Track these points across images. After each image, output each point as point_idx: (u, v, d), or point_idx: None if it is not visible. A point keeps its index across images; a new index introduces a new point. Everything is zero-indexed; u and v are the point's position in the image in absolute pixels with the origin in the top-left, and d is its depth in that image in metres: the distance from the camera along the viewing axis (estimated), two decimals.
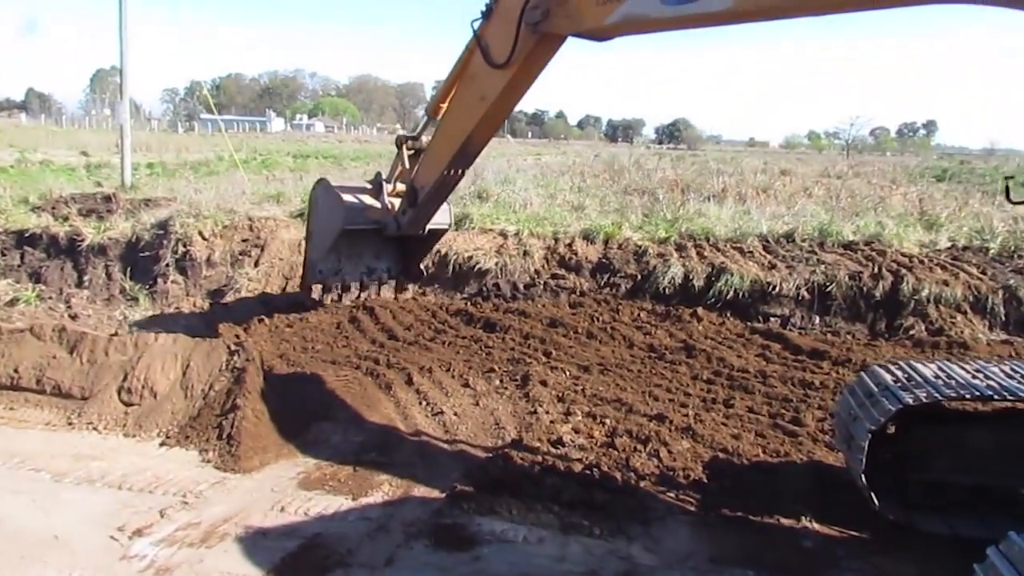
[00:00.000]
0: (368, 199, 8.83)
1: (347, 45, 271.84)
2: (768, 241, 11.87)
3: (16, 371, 6.53)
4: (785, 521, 4.81)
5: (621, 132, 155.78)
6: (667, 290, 10.47)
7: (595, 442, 5.97)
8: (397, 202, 8.71)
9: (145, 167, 27.50)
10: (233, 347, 6.47)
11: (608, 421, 6.38)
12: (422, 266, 10.07)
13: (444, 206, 8.94)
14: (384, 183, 8.79)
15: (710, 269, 10.50)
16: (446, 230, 9.56)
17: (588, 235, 12.30)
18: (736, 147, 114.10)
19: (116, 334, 6.88)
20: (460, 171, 8.02)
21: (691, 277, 10.47)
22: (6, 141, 35.87)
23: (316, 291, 9.78)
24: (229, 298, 10.89)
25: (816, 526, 4.75)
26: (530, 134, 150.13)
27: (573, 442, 5.96)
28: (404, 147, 8.57)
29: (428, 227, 8.96)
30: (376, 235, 9.12)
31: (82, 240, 11.89)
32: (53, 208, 13.32)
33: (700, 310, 9.89)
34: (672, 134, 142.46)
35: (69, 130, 63.67)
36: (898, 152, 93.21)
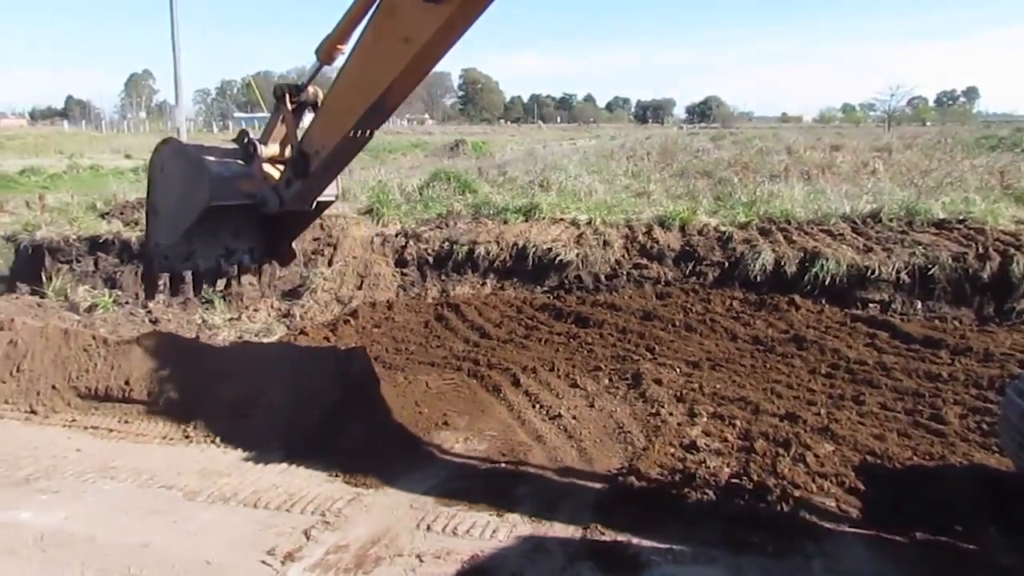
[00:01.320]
0: (237, 166, 6.93)
1: None
2: (855, 222, 11.46)
3: (127, 383, 6.41)
4: (965, 534, 4.49)
5: (651, 113, 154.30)
6: (758, 277, 10.13)
7: (730, 446, 5.70)
8: (273, 170, 6.88)
9: None
10: (346, 354, 6.28)
11: (738, 423, 6.10)
12: (295, 245, 8.42)
13: None
14: (257, 145, 6.88)
15: (802, 254, 10.14)
16: (333, 202, 7.97)
17: (663, 222, 11.98)
18: (769, 123, 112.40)
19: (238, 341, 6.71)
20: (369, 132, 6.31)
21: (783, 263, 10.12)
22: (53, 147, 36.21)
23: (162, 284, 7.75)
24: (306, 300, 10.75)
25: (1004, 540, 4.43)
26: (559, 118, 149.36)
27: (708, 446, 5.70)
28: (286, 99, 6.66)
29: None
30: (238, 209, 7.10)
31: None
32: (121, 213, 13.28)
33: (797, 298, 9.55)
34: (704, 113, 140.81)
35: (109, 135, 64.35)
36: (938, 122, 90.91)
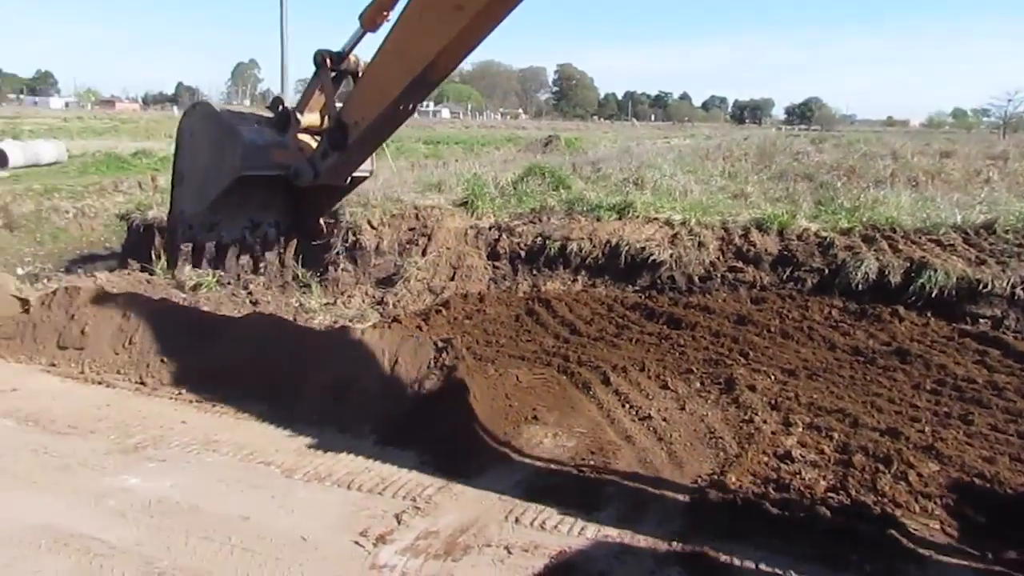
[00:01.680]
0: (271, 135, 6.67)
1: None
2: (967, 233, 10.97)
3: (232, 359, 6.63)
4: None
5: (748, 113, 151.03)
6: (860, 286, 9.81)
7: (827, 459, 5.54)
8: (309, 140, 6.69)
9: None
10: (441, 344, 6.36)
11: (835, 435, 5.92)
12: (322, 221, 7.75)
13: None
14: (293, 114, 6.63)
15: (908, 264, 9.77)
16: (368, 177, 7.32)
17: (760, 225, 11.70)
18: (873, 127, 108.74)
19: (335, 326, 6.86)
20: (412, 106, 6.07)
21: (887, 272, 9.77)
22: (164, 131, 37.74)
23: (185, 254, 7.46)
24: (399, 288, 10.92)
25: None
26: (653, 116, 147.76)
27: (803, 457, 5.55)
28: (326, 66, 6.36)
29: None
30: (267, 180, 6.88)
31: None
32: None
33: (901, 309, 9.21)
34: (804, 114, 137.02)
35: None
36: None
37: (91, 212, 19.32)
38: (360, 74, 6.06)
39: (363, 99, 5.92)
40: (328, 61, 6.12)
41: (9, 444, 5.53)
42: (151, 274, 11.31)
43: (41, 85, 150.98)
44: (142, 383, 6.79)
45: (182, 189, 6.71)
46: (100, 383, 6.83)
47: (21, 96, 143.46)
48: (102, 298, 7.83)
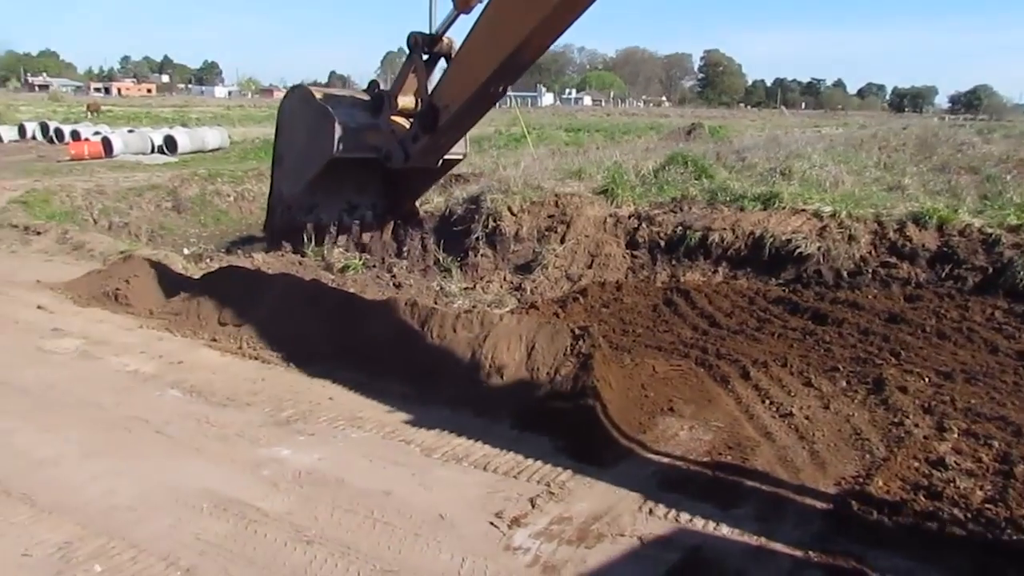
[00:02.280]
0: (365, 117, 6.66)
1: (615, 15, 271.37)
2: None
3: (375, 341, 6.90)
4: None
5: (909, 101, 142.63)
6: None
7: (985, 468, 5.21)
8: (403, 123, 6.58)
9: None
10: (578, 331, 6.38)
11: (995, 443, 5.55)
12: (418, 204, 7.61)
13: None
14: (388, 97, 6.57)
15: None
16: (460, 160, 7.11)
17: (918, 219, 11.05)
18: None
19: (468, 311, 7.03)
20: (503, 88, 5.93)
21: None
22: None
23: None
24: (537, 275, 11.02)
25: None
26: (804, 104, 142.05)
27: (958, 465, 5.23)
28: (418, 50, 6.25)
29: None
30: (362, 162, 6.92)
31: None
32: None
33: None
34: (970, 103, 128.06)
35: None
36: None
37: (249, 196, 20.47)
38: (452, 56, 5.97)
39: (454, 81, 5.93)
40: (421, 44, 6.04)
41: (176, 413, 5.97)
42: (303, 256, 11.90)
43: (207, 75, 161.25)
44: (293, 360, 7.15)
45: (281, 170, 6.99)
46: (256, 358, 7.26)
47: (189, 85, 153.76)
48: (258, 278, 8.31)
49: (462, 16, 5.94)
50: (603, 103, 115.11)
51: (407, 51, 6.22)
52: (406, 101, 6.27)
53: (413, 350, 6.74)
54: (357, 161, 6.68)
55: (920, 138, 24.70)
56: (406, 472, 5.06)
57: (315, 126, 6.44)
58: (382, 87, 6.44)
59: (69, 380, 6.60)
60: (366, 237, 11.10)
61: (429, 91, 6.09)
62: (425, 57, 6.17)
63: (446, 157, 6.53)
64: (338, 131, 6.24)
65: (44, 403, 6.07)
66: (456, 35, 6.78)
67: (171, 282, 8.97)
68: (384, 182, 7.30)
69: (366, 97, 6.54)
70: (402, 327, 6.92)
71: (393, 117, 6.36)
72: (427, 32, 6.02)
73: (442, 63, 6.76)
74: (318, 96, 6.48)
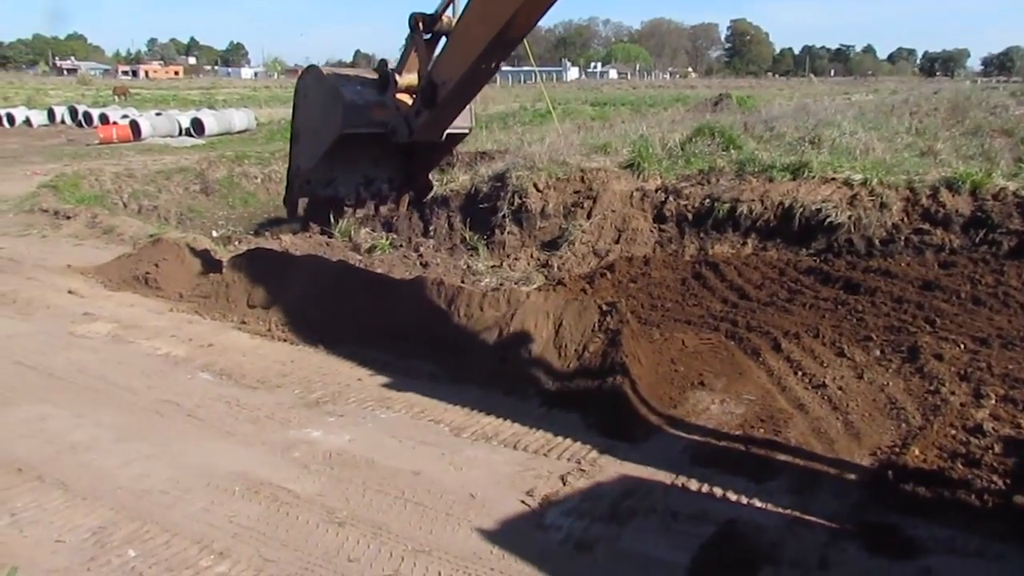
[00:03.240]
0: (372, 95, 7.06)
1: None
2: None
3: (403, 321, 6.90)
4: None
5: (940, 65, 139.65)
6: None
7: None
8: (408, 100, 6.94)
9: None
10: (605, 307, 6.33)
11: None
12: (431, 176, 8.05)
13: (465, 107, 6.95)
14: (393, 75, 6.93)
15: None
16: (466, 134, 7.52)
17: (951, 184, 10.79)
18: None
19: (497, 289, 6.99)
20: (495, 64, 6.32)
21: None
22: None
23: (302, 207, 7.74)
24: (564, 251, 10.95)
25: None
26: (832, 72, 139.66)
27: (996, 432, 5.13)
28: (419, 30, 6.63)
29: (446, 131, 6.99)
30: (376, 137, 7.33)
31: None
32: None
33: None
34: (1003, 65, 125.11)
35: None
36: None
37: (277, 177, 20.49)
38: (449, 34, 6.25)
39: (450, 59, 6.25)
40: (421, 24, 6.37)
41: (207, 396, 6.01)
42: (330, 236, 11.91)
43: (233, 56, 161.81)
44: (321, 341, 7.17)
45: (298, 147, 7.55)
46: (285, 340, 7.29)
47: (216, 67, 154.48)
48: (286, 260, 8.33)
49: None
50: (629, 76, 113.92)
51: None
52: (410, 79, 6.66)
53: (441, 329, 6.73)
54: (371, 136, 7.10)
55: (952, 102, 24.17)
56: (436, 452, 5.06)
57: (325, 103, 6.97)
58: (391, 66, 6.64)
59: (101, 364, 6.67)
60: (388, 212, 11.12)
61: (429, 68, 6.31)
62: (427, 36, 6.46)
63: (451, 131, 6.90)
64: (345, 108, 6.56)
65: (76, 388, 6.14)
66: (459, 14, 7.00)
67: (200, 265, 9.02)
68: (398, 156, 7.66)
69: (375, 76, 6.79)
70: (430, 307, 6.90)
71: (398, 95, 6.67)
72: (428, 13, 6.22)
73: (444, 41, 6.95)
74: (328, 76, 6.71)
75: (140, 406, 5.81)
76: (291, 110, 7.49)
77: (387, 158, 7.59)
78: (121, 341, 7.29)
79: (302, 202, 7.44)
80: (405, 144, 7.19)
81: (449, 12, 6.18)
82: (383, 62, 6.85)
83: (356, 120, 6.62)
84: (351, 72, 6.95)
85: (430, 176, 7.66)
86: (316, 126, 7.00)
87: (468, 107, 6.96)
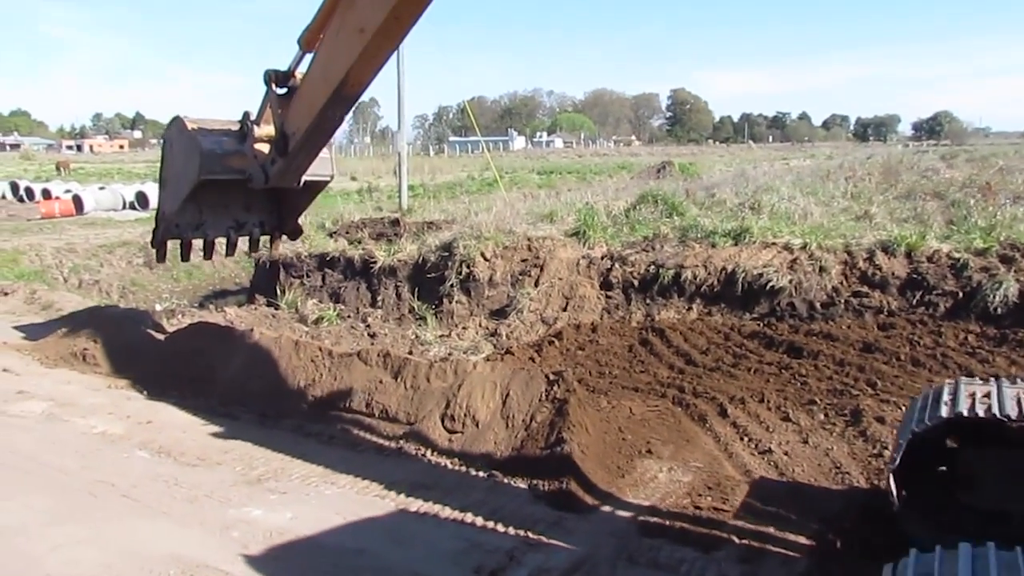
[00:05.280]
0: (232, 144, 7.41)
1: (582, 59, 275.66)
2: None
3: (348, 393, 6.82)
4: None
5: (872, 130, 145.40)
6: (999, 310, 9.19)
7: None
8: (266, 149, 7.28)
9: (408, 189, 29.21)
10: (552, 376, 6.32)
11: None
12: (300, 221, 8.64)
13: (325, 154, 7.54)
14: (252, 126, 7.31)
15: None
16: (327, 182, 8.07)
17: (887, 247, 11.14)
18: (1010, 139, 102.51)
19: (444, 359, 6.96)
20: (339, 115, 6.76)
21: None
22: None
23: (169, 248, 8.36)
24: (512, 320, 10.97)
25: None
26: (771, 138, 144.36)
27: None
28: (273, 84, 6.98)
29: (305, 179, 7.48)
30: (245, 184, 7.62)
31: (374, 262, 12.53)
32: (347, 232, 14.22)
33: None
34: (932, 129, 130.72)
35: (337, 157, 69.38)
36: None
37: (222, 249, 20.33)
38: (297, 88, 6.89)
39: (297, 111, 6.77)
40: (274, 79, 6.93)
41: (144, 475, 5.81)
42: (276, 308, 11.80)
43: None
44: (264, 415, 7.03)
45: (164, 192, 7.89)
46: (227, 416, 7.12)
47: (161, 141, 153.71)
48: (227, 334, 8.20)
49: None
50: (574, 144, 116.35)
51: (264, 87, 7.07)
52: (268, 130, 7.25)
53: (389, 401, 6.65)
54: (238, 183, 7.56)
55: (885, 166, 25.16)
56: (381, 528, 4.95)
57: (186, 151, 7.35)
58: (252, 118, 7.25)
59: (34, 444, 6.44)
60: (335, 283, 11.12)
61: (282, 120, 6.92)
62: (283, 91, 6.95)
63: (310, 179, 7.55)
64: (202, 157, 7.15)
65: (7, 468, 5.90)
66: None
67: (140, 340, 8.84)
68: (269, 202, 8.27)
69: (236, 127, 7.41)
70: (375, 378, 6.83)
71: (256, 144, 7.12)
72: (281, 70, 6.85)
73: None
74: (191, 126, 7.35)
75: (73, 487, 5.59)
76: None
77: (258, 203, 8.24)
78: (56, 420, 7.06)
79: (170, 243, 8.01)
80: (271, 191, 7.81)
81: (300, 68, 6.70)
82: (246, 114, 7.38)
83: (213, 167, 7.15)
84: (216, 123, 7.46)
85: (299, 221, 8.28)
86: (179, 172, 7.52)
87: (328, 156, 7.66)
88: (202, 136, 7.28)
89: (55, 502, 5.35)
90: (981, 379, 4.64)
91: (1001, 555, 2.63)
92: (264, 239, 8.95)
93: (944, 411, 4.10)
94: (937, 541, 3.35)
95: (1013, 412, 3.95)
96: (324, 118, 6.55)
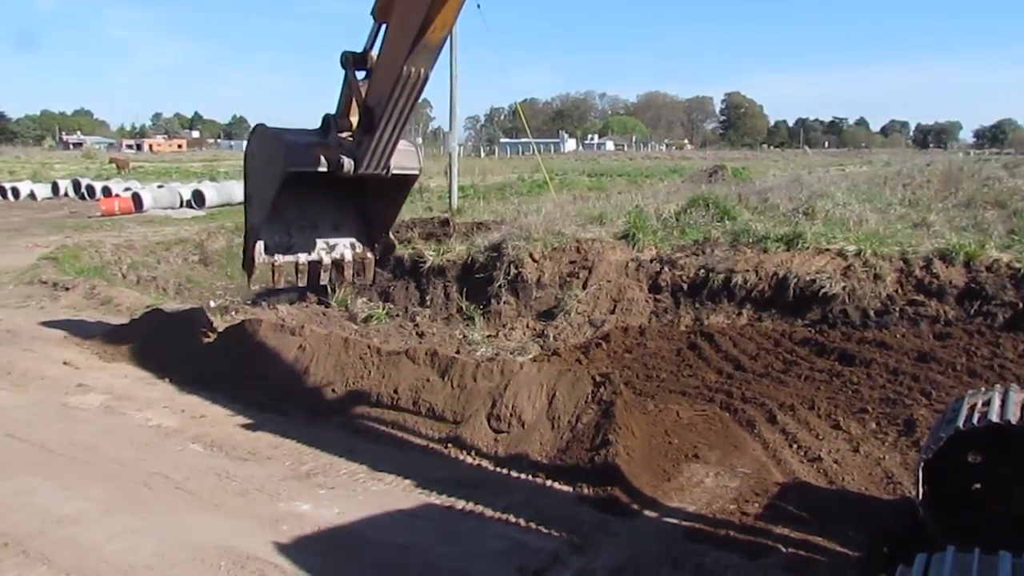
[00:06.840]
0: (315, 138, 7.09)
1: (635, 61, 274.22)
2: None
3: (396, 391, 6.89)
4: None
5: (933, 137, 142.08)
6: None
7: None
8: (349, 138, 6.98)
9: (458, 190, 29.36)
10: (599, 378, 6.31)
11: None
12: (391, 236, 8.22)
13: (410, 148, 7.17)
14: (333, 119, 7.05)
15: None
16: (415, 176, 7.64)
17: (944, 255, 10.89)
18: None
19: (490, 359, 7.01)
20: (423, 71, 6.25)
21: None
22: None
23: (259, 267, 7.96)
24: (560, 321, 10.96)
25: None
26: (827, 143, 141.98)
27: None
28: (350, 66, 6.75)
29: (392, 171, 6.97)
30: (332, 199, 7.44)
31: (424, 262, 12.65)
32: (397, 232, 14.33)
33: None
34: (995, 137, 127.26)
35: None
36: None
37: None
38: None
39: (379, 79, 6.40)
40: (352, 61, 6.59)
41: (196, 468, 5.95)
42: (327, 307, 11.96)
43: (235, 129, 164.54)
44: (314, 412, 7.13)
45: (251, 207, 7.52)
46: (277, 411, 7.24)
47: (219, 140, 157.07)
48: (280, 330, 8.34)
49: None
50: (625, 147, 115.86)
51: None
52: (352, 120, 6.89)
53: (435, 400, 6.70)
54: (325, 197, 7.35)
55: (945, 174, 24.52)
56: (427, 525, 4.99)
57: (269, 152, 7.08)
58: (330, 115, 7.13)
59: (92, 436, 6.62)
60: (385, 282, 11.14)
61: (365, 97, 6.67)
62: (362, 74, 6.72)
63: (397, 172, 6.97)
64: (287, 148, 6.78)
65: (66, 460, 6.08)
66: None
67: (195, 336, 9.03)
68: (359, 220, 7.90)
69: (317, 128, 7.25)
70: (423, 376, 6.89)
71: (341, 134, 6.92)
72: (357, 52, 6.65)
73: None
74: (269, 129, 7.07)
75: (129, 479, 5.75)
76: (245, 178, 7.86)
77: (346, 223, 7.82)
78: (113, 412, 7.25)
79: (260, 260, 7.43)
80: (359, 204, 7.59)
81: (375, 49, 6.55)
82: (328, 116, 7.21)
83: (299, 159, 6.76)
84: (293, 128, 7.37)
85: (391, 235, 7.92)
86: (263, 176, 7.20)
87: (414, 150, 7.21)
88: (285, 132, 7.03)
89: (112, 493, 5.50)
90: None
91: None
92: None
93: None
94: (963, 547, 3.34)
95: (1014, 418, 3.98)
96: (408, 77, 6.19)
